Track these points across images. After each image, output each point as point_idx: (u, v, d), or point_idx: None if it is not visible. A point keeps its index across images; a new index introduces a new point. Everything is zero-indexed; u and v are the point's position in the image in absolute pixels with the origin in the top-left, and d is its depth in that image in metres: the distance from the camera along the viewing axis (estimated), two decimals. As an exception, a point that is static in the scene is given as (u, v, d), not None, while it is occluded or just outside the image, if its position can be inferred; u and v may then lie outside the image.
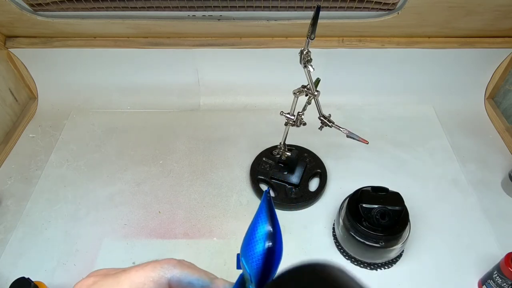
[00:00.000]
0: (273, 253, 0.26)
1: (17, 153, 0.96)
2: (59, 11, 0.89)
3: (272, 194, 0.84)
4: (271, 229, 0.26)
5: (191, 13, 0.90)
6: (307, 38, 0.59)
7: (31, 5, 0.87)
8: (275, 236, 0.26)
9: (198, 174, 0.90)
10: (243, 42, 1.00)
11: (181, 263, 0.28)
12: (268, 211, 0.27)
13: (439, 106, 1.06)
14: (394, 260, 0.73)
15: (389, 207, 0.66)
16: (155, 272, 0.27)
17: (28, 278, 0.61)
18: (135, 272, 0.27)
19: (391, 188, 0.69)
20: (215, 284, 0.28)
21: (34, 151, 0.96)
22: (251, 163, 0.90)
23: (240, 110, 1.07)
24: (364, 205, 0.67)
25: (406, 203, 0.68)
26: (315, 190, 0.84)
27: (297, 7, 0.86)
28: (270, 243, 0.26)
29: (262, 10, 0.88)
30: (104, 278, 0.28)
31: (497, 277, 0.64)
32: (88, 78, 1.07)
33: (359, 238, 0.68)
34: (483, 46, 0.98)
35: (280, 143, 0.83)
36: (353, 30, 0.95)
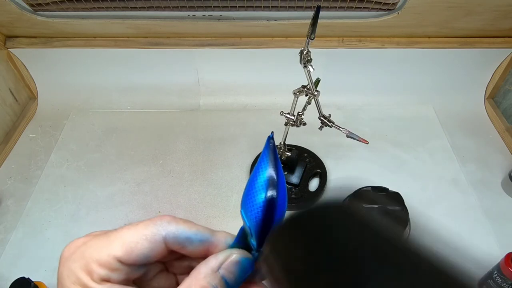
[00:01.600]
0: (275, 203, 0.24)
1: (17, 153, 0.96)
2: (59, 11, 0.89)
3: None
4: (273, 175, 0.24)
5: (191, 13, 0.90)
6: (307, 38, 0.59)
7: (31, 5, 0.87)
8: (278, 184, 0.24)
9: (198, 174, 0.90)
10: (243, 42, 1.00)
11: (176, 218, 0.26)
12: (270, 157, 0.25)
13: (439, 106, 1.06)
14: (394, 260, 0.73)
15: (389, 207, 0.66)
16: (148, 229, 0.25)
17: (28, 278, 0.61)
18: (126, 230, 0.25)
19: (391, 188, 0.69)
20: (216, 236, 0.27)
21: (34, 151, 0.96)
22: (251, 163, 0.89)
23: (240, 110, 1.07)
24: (364, 205, 0.67)
25: (406, 203, 0.68)
26: (315, 190, 0.84)
27: (297, 7, 0.86)
28: (272, 192, 0.24)
29: (262, 10, 0.88)
30: (95, 238, 0.26)
31: (497, 277, 0.64)
32: (88, 78, 1.07)
33: (359, 238, 0.68)
34: (483, 46, 0.98)
35: (280, 143, 0.83)
36: (353, 30, 0.95)
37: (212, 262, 0.24)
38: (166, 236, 0.25)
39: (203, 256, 0.26)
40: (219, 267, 0.24)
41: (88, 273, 0.24)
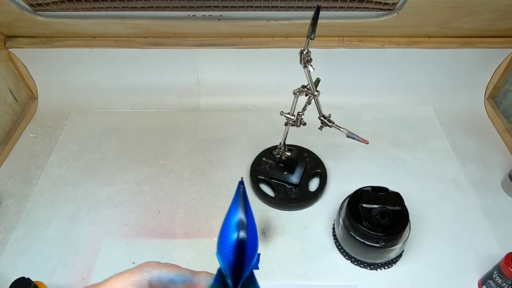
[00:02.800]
0: (245, 244, 0.25)
1: (17, 153, 0.96)
2: (59, 11, 0.89)
3: (272, 194, 0.84)
4: (243, 218, 0.26)
5: (191, 13, 0.90)
6: (307, 38, 0.59)
7: (31, 5, 0.87)
8: (247, 226, 0.25)
9: (198, 174, 0.90)
10: (243, 42, 1.00)
11: (160, 264, 0.29)
12: (240, 202, 0.26)
13: (439, 106, 1.06)
14: (394, 260, 0.73)
15: (389, 207, 0.66)
16: (133, 276, 0.28)
17: (28, 278, 0.61)
18: (114, 279, 0.28)
19: (391, 188, 0.69)
20: (197, 277, 0.29)
21: (34, 151, 0.96)
22: (251, 163, 0.90)
23: (240, 110, 1.07)
24: (364, 205, 0.67)
25: (406, 203, 0.68)
26: (315, 190, 0.84)
27: (297, 7, 0.86)
28: (242, 234, 0.25)
29: (262, 10, 0.88)
30: None
31: (497, 277, 0.64)
32: (88, 78, 1.07)
33: (359, 238, 0.68)
34: (483, 46, 0.98)
35: (280, 143, 0.83)
36: (353, 30, 0.95)
37: None
38: (151, 280, 0.28)
39: None
40: None
41: None
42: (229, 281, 0.26)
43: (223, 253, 0.26)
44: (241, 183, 0.27)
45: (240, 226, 0.25)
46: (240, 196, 0.27)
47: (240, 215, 0.26)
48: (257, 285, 0.28)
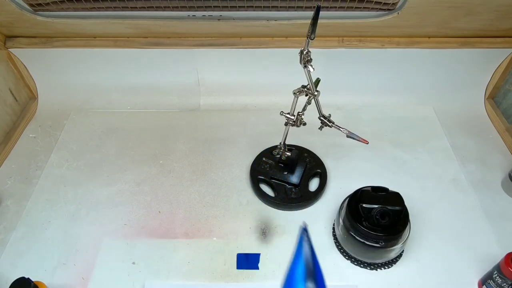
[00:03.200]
0: None
1: (17, 153, 0.96)
2: (59, 11, 0.89)
3: (272, 194, 0.84)
4: (311, 267, 0.23)
5: (191, 13, 0.90)
6: (307, 38, 0.59)
7: (31, 5, 0.87)
8: (316, 278, 0.23)
9: (198, 174, 0.90)
10: (243, 42, 1.00)
11: None
12: (305, 250, 0.23)
13: (439, 106, 1.06)
14: (394, 260, 0.73)
15: (389, 207, 0.66)
16: None
17: (28, 278, 0.61)
18: None
19: (391, 188, 0.69)
20: None
21: (34, 151, 0.96)
22: (251, 163, 0.90)
23: (240, 110, 1.07)
24: (364, 205, 0.67)
25: (406, 203, 0.68)
26: (315, 190, 0.84)
27: (297, 7, 0.86)
28: (311, 285, 0.23)
29: (262, 10, 0.88)
30: None
31: (497, 277, 0.64)
32: (88, 78, 1.07)
33: (359, 238, 0.68)
34: (483, 46, 0.98)
35: (280, 143, 0.83)
36: (353, 30, 0.95)
37: None
38: None
39: None
40: None
41: None
42: None
43: None
44: (305, 229, 0.25)
45: (308, 276, 0.23)
46: (305, 242, 0.24)
47: (307, 264, 0.23)
48: None
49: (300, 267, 0.23)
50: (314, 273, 0.23)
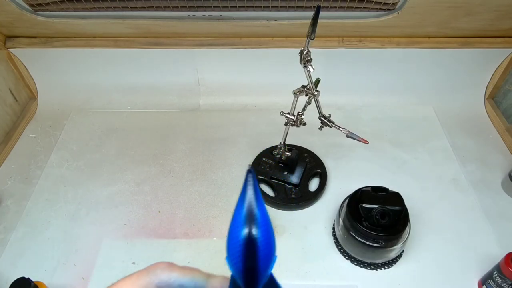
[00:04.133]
0: (255, 242, 0.20)
1: (17, 153, 0.96)
2: (59, 11, 0.89)
3: (272, 194, 0.84)
4: (252, 211, 0.21)
5: (191, 13, 0.90)
6: (307, 38, 0.59)
7: (31, 5, 0.87)
8: (258, 220, 0.21)
9: (198, 174, 0.90)
10: (243, 42, 1.00)
11: (171, 266, 0.27)
12: (247, 192, 0.22)
13: (439, 106, 1.06)
14: (394, 260, 0.73)
15: (389, 207, 0.66)
16: (140, 279, 0.26)
17: (28, 278, 0.61)
18: (122, 283, 0.26)
19: (391, 188, 0.69)
20: (211, 283, 0.27)
21: (34, 151, 0.96)
22: (251, 163, 0.89)
23: (240, 110, 1.07)
24: (364, 205, 0.67)
25: (406, 203, 0.68)
26: (315, 190, 0.84)
27: (297, 7, 0.86)
28: (251, 229, 0.20)
29: (262, 10, 0.88)
30: None
31: (497, 277, 0.64)
32: (88, 78, 1.07)
33: (359, 238, 0.68)
34: (483, 46, 0.98)
35: (280, 143, 0.83)
36: (353, 30, 0.95)
37: None
38: (158, 284, 0.26)
39: None
40: None
41: None
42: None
43: (232, 257, 0.21)
44: (249, 171, 0.23)
45: (249, 220, 0.21)
46: (249, 186, 0.22)
47: (249, 208, 0.21)
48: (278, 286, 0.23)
49: (242, 212, 0.21)
50: (255, 217, 0.21)
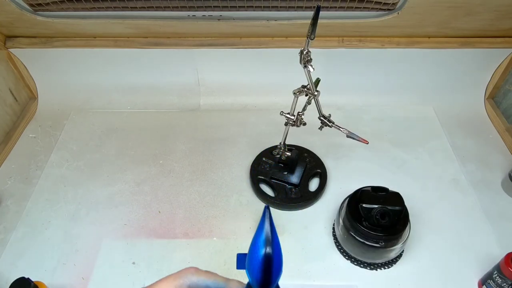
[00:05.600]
0: (271, 258, 0.28)
1: (17, 153, 0.96)
2: (59, 11, 0.89)
3: (272, 194, 0.84)
4: (269, 236, 0.29)
5: (191, 13, 0.90)
6: (307, 38, 0.59)
7: (31, 5, 0.87)
8: (273, 244, 0.29)
9: (198, 174, 0.90)
10: (243, 42, 1.00)
11: (198, 270, 0.33)
12: (266, 224, 0.29)
13: (439, 106, 1.06)
14: (394, 260, 0.73)
15: (389, 207, 0.66)
16: (176, 281, 0.32)
17: (28, 278, 0.61)
18: (160, 284, 0.32)
19: (391, 188, 0.69)
20: (229, 286, 0.33)
21: (34, 151, 0.96)
22: (251, 163, 0.89)
23: (240, 110, 1.07)
24: (364, 205, 0.67)
25: (406, 203, 0.68)
26: (315, 190, 0.84)
27: (297, 7, 0.86)
28: (269, 249, 0.28)
29: (262, 10, 0.88)
30: None
31: (497, 277, 0.64)
32: (88, 78, 1.07)
33: (359, 238, 0.68)
34: (483, 46, 0.98)
35: (280, 143, 0.83)
36: (353, 30, 0.95)
37: None
38: (190, 285, 0.32)
39: None
40: None
41: None
42: None
43: (251, 269, 0.29)
44: (267, 207, 0.31)
45: (267, 243, 0.28)
46: (266, 219, 0.30)
47: (267, 234, 0.29)
48: None
49: (261, 237, 0.29)
50: (272, 241, 0.29)
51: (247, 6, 0.87)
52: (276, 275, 0.29)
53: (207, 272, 0.33)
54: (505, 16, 0.87)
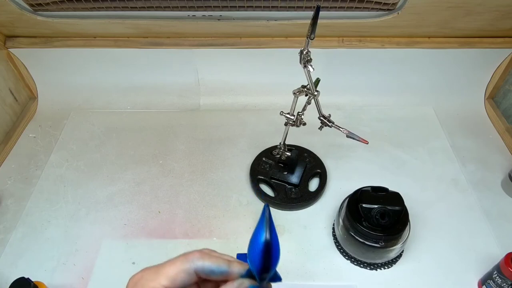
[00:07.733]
0: (271, 246, 0.31)
1: (17, 153, 0.96)
2: (59, 11, 0.89)
3: (272, 194, 0.84)
4: (269, 231, 0.31)
5: (191, 13, 0.90)
6: (307, 38, 0.59)
7: (31, 5, 0.87)
8: (272, 236, 0.31)
9: (198, 174, 0.90)
10: (243, 42, 1.00)
11: (203, 254, 0.36)
12: (266, 220, 0.32)
13: (439, 106, 1.06)
14: (394, 260, 0.73)
15: (389, 207, 0.66)
16: (184, 265, 0.34)
17: (28, 278, 0.61)
18: (169, 265, 0.35)
19: (391, 188, 0.69)
20: (231, 268, 0.35)
21: (34, 151, 0.96)
22: (251, 163, 0.90)
23: (240, 110, 1.07)
24: (364, 205, 0.67)
25: (406, 203, 0.68)
26: (315, 190, 0.84)
27: (297, 7, 0.86)
28: (268, 237, 0.31)
29: (262, 10, 0.88)
30: (148, 271, 0.35)
31: (497, 277, 0.64)
32: (88, 78, 1.07)
33: (359, 238, 0.68)
34: (483, 46, 0.98)
35: (280, 143, 0.83)
36: (353, 30, 0.95)
37: (229, 286, 0.33)
38: (196, 269, 0.34)
39: (224, 281, 0.35)
40: None
41: None
42: (257, 277, 0.33)
43: (252, 255, 0.32)
44: (267, 205, 0.33)
45: (266, 233, 0.31)
46: (266, 214, 0.32)
47: (266, 226, 0.31)
48: (278, 277, 0.35)
49: (262, 228, 0.31)
50: (271, 233, 0.31)
51: (247, 6, 0.87)
52: (274, 262, 0.32)
53: (210, 256, 0.35)
54: (505, 16, 0.87)
